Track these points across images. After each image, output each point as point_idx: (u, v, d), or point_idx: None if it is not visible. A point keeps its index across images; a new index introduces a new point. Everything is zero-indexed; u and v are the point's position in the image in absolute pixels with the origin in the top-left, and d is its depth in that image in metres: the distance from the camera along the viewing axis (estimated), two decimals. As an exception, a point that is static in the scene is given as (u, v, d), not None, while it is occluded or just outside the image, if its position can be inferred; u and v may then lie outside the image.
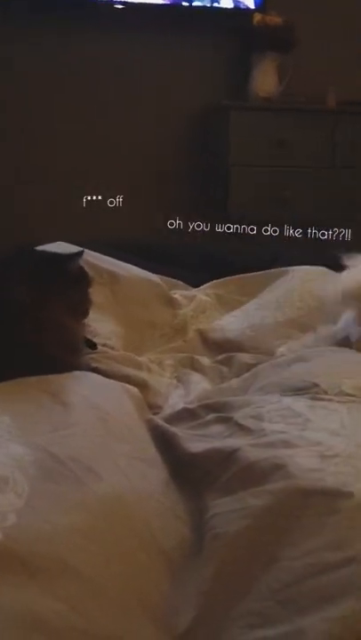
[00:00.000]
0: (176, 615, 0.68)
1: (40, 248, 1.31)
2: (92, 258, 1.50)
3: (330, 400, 0.99)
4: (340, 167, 2.93)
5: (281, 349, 1.38)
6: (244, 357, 1.38)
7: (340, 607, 0.58)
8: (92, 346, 1.29)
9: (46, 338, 1.10)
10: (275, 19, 2.84)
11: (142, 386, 1.18)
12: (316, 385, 1.05)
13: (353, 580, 0.60)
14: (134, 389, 1.12)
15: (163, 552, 0.74)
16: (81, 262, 1.23)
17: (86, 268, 1.28)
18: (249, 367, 1.31)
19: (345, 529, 0.66)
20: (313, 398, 1.01)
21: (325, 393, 1.02)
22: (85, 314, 1.23)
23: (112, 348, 1.32)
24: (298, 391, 1.05)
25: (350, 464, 0.76)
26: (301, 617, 0.60)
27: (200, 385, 1.28)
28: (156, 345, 1.45)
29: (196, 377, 1.32)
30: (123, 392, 1.09)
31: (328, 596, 0.60)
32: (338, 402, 0.98)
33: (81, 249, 1.24)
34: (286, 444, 0.84)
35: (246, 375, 1.26)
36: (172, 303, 1.56)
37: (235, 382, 1.25)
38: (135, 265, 1.63)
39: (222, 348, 1.46)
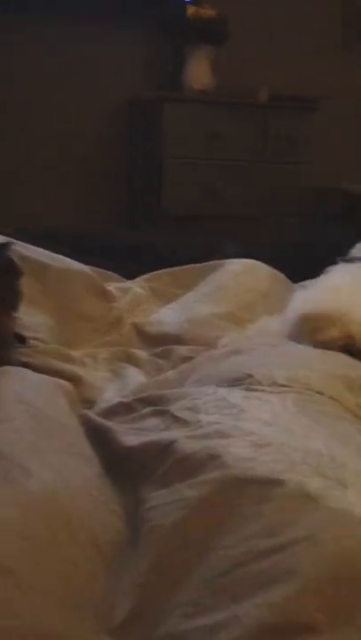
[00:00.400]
0: (112, 609, 0.67)
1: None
2: (22, 249, 1.46)
3: (263, 391, 1.00)
4: (272, 161, 2.98)
5: (223, 340, 1.39)
6: (182, 350, 1.38)
7: (273, 593, 0.59)
8: (22, 340, 1.26)
9: None
10: (208, 11, 2.85)
11: (76, 380, 1.17)
12: (250, 376, 1.06)
13: (285, 567, 0.61)
14: (67, 384, 1.11)
15: (97, 546, 0.74)
16: (10, 254, 1.20)
17: (16, 260, 1.25)
18: (186, 360, 1.31)
19: (277, 516, 0.67)
20: (248, 389, 1.02)
21: (260, 384, 1.04)
22: (15, 307, 1.20)
23: (43, 342, 1.30)
24: (233, 382, 1.06)
25: (282, 452, 0.77)
26: (236, 604, 0.60)
27: (136, 378, 1.27)
28: (89, 339, 1.43)
29: (132, 371, 1.31)
30: (55, 387, 1.07)
31: (261, 582, 0.61)
32: (271, 392, 0.99)
33: (10, 240, 1.21)
34: (221, 435, 0.84)
35: (183, 367, 1.26)
36: (105, 296, 1.55)
37: (171, 374, 1.25)
38: (67, 257, 1.60)
39: (159, 341, 1.46)
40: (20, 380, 1.04)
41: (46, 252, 1.56)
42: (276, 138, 2.95)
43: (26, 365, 1.16)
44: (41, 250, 1.55)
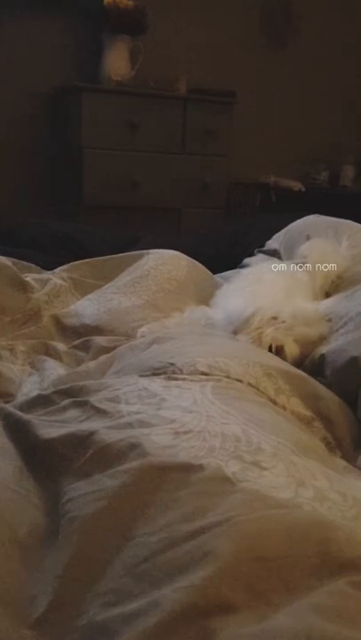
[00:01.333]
0: (32, 602, 0.66)
1: None
2: None
3: (184, 379, 1.01)
4: (189, 152, 3.00)
5: (142, 330, 1.39)
6: (101, 341, 1.37)
7: (191, 576, 0.60)
8: None
9: None
10: (126, 1, 2.83)
11: (-8, 374, 1.14)
12: (172, 364, 1.07)
13: (204, 549, 0.62)
14: (-18, 378, 1.08)
15: (16, 540, 0.72)
16: None
17: None
18: (107, 350, 1.31)
19: (196, 501, 0.68)
20: (169, 378, 1.03)
21: (181, 372, 1.05)
22: None
23: None
24: (155, 371, 1.07)
25: (201, 438, 0.79)
26: (157, 589, 0.61)
27: (56, 371, 1.25)
28: (6, 331, 1.40)
29: (51, 363, 1.29)
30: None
31: (181, 566, 0.62)
32: (191, 380, 1.01)
33: None
34: (142, 424, 0.85)
35: (103, 358, 1.25)
36: (24, 287, 1.51)
37: (92, 365, 1.24)
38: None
39: (78, 332, 1.44)
40: None
41: None
42: (192, 130, 2.97)
43: None
44: None
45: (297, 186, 3.40)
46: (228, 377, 1.04)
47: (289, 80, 3.61)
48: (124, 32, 2.88)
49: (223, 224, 2.99)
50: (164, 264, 1.64)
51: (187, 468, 0.73)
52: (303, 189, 3.41)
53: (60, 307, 1.50)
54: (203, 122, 2.99)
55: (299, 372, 1.16)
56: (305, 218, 1.82)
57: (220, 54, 3.36)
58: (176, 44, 3.21)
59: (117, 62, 2.90)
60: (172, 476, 0.73)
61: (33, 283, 1.54)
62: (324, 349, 1.24)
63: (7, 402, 1.08)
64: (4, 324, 1.41)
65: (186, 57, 3.21)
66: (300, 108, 3.68)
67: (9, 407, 1.01)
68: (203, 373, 1.04)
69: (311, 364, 1.25)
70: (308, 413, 1.04)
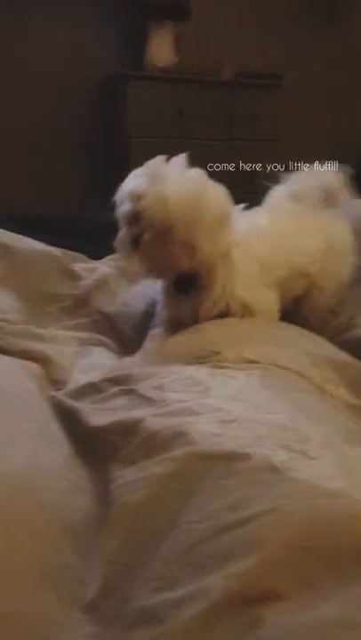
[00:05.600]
0: (83, 586, 0.68)
1: None
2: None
3: (229, 367, 1.01)
4: (235, 138, 2.97)
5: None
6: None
7: (239, 564, 0.60)
8: None
9: None
10: (170, -13, 2.81)
11: (44, 361, 1.16)
12: (217, 353, 1.07)
13: (250, 538, 0.62)
14: (34, 366, 1.11)
15: (69, 526, 0.74)
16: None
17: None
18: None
19: (243, 489, 0.68)
20: (214, 366, 1.03)
21: (226, 360, 1.05)
22: None
23: (10, 323, 1.29)
24: (200, 360, 1.07)
25: (247, 427, 0.78)
26: (204, 576, 0.61)
27: (104, 357, 1.27)
28: (56, 320, 1.43)
29: (99, 351, 1.31)
30: (23, 370, 1.07)
31: (228, 554, 0.62)
32: (237, 369, 1.00)
33: None
34: (188, 412, 0.85)
35: (149, 347, 1.26)
36: (72, 276, 1.54)
37: (138, 354, 1.26)
38: (32, 238, 1.59)
39: (125, 321, 1.46)
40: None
41: (11, 233, 1.54)
42: (239, 115, 2.93)
43: (-6, 349, 1.15)
44: (5, 232, 1.53)
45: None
46: (275, 365, 1.03)
47: (341, 56, 3.50)
48: (168, 18, 2.86)
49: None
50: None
51: (233, 457, 0.73)
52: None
53: (107, 294, 1.52)
54: (249, 107, 2.95)
55: (344, 357, 1.14)
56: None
57: (266, 35, 3.29)
58: (220, 28, 3.17)
59: (162, 49, 2.89)
60: (219, 464, 0.73)
61: (81, 272, 1.56)
62: None
63: (59, 389, 1.10)
64: (54, 310, 1.44)
65: (230, 41, 3.16)
66: (353, 87, 3.56)
67: (60, 395, 1.04)
68: (249, 361, 1.04)
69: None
70: (357, 402, 1.02)
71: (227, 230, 1.21)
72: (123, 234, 1.20)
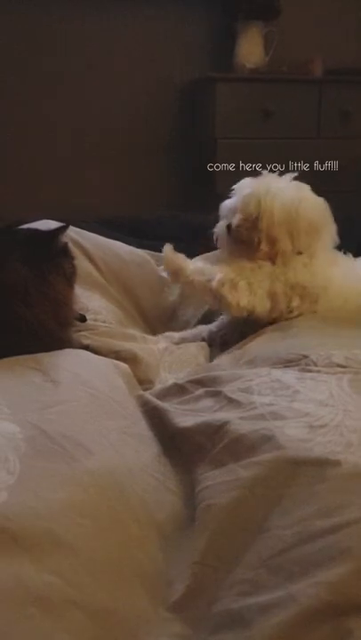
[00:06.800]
0: (169, 586, 0.69)
1: (26, 226, 1.31)
2: (76, 234, 1.49)
3: (318, 371, 0.99)
4: (324, 136, 2.91)
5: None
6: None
7: (329, 572, 0.59)
8: (82, 319, 1.29)
9: (44, 313, 1.11)
10: (258, -13, 2.79)
11: (133, 360, 1.18)
12: (305, 357, 1.06)
13: (341, 547, 0.61)
14: (124, 366, 1.13)
15: (156, 524, 0.75)
16: (64, 237, 1.22)
17: (71, 245, 1.27)
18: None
19: (333, 497, 0.67)
20: (302, 370, 1.01)
21: (315, 364, 1.03)
22: (74, 284, 1.23)
23: (103, 323, 1.32)
24: (288, 363, 1.06)
25: (338, 433, 0.77)
26: (292, 583, 0.61)
27: (192, 351, 1.29)
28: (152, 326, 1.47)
29: (192, 348, 1.33)
30: (113, 369, 1.09)
31: (317, 562, 0.61)
32: (327, 373, 0.98)
33: (64, 224, 1.23)
34: (275, 416, 0.84)
35: (236, 352, 1.26)
36: (161, 286, 1.55)
37: (225, 357, 1.26)
38: (121, 241, 1.62)
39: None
40: (80, 363, 1.06)
41: (101, 237, 1.58)
42: (330, 113, 2.87)
43: (86, 348, 1.18)
44: (95, 235, 1.57)
45: None
46: (365, 370, 1.00)
47: None
48: (257, 18, 2.84)
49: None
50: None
51: (323, 463, 0.72)
52: None
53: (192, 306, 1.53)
54: (339, 103, 2.88)
55: None
56: None
57: (355, 30, 3.20)
58: (310, 25, 3.11)
59: (251, 49, 2.87)
60: (308, 470, 0.72)
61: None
62: None
63: (147, 389, 1.12)
64: (150, 320, 1.49)
65: (321, 38, 3.10)
66: None
67: (147, 395, 1.05)
68: (339, 365, 1.02)
69: None
70: None
71: (314, 236, 1.36)
72: (222, 223, 1.46)
